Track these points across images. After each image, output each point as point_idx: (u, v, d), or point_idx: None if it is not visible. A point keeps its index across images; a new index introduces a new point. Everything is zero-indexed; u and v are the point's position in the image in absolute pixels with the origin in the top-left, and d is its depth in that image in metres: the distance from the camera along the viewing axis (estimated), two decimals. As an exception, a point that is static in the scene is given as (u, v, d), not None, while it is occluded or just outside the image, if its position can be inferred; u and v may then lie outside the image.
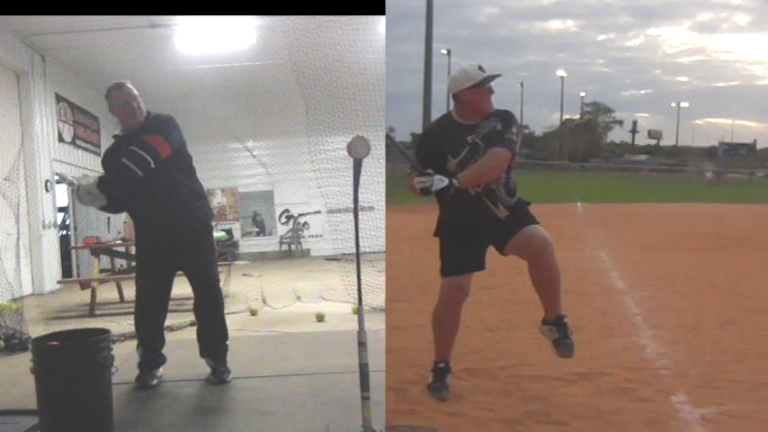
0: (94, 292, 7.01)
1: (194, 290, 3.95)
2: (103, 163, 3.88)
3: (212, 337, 3.90)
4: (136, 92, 3.67)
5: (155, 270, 3.87)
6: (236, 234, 15.53)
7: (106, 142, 13.76)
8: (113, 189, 3.61)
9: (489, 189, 2.86)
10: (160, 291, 3.93)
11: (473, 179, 2.78)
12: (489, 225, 2.89)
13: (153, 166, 3.51)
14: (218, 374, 3.82)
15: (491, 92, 2.87)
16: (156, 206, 3.66)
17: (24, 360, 2.96)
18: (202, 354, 3.91)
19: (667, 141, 48.27)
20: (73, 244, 11.53)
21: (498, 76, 2.87)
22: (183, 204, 3.72)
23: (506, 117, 2.86)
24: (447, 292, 2.93)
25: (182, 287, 7.24)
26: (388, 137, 2.90)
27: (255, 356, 4.35)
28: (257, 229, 16.22)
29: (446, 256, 2.94)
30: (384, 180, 6.13)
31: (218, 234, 8.83)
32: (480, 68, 2.84)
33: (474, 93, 2.83)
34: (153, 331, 3.95)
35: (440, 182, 2.69)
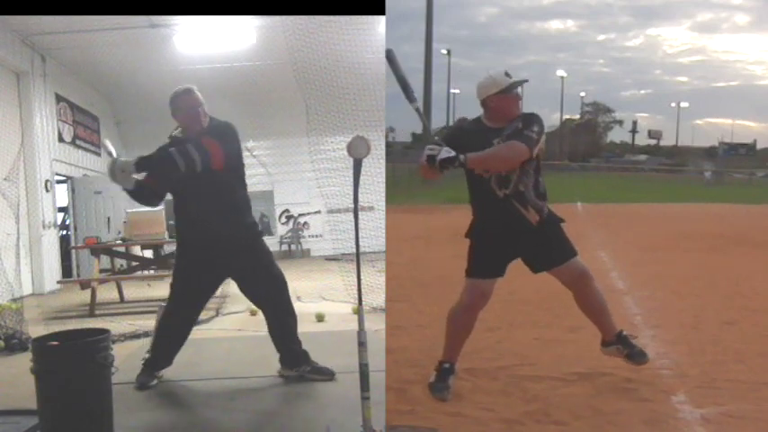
0: (94, 292, 7.02)
1: (261, 297, 3.86)
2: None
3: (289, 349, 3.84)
4: (202, 98, 3.64)
5: (197, 273, 3.74)
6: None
7: (106, 142, 13.76)
8: (150, 176, 3.58)
9: (518, 191, 2.86)
10: (199, 295, 3.86)
11: (481, 161, 2.77)
12: (523, 234, 2.89)
13: (199, 168, 3.41)
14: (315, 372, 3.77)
15: (518, 97, 2.91)
16: (208, 212, 3.60)
17: (24, 360, 2.96)
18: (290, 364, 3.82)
19: (667, 141, 48.37)
20: (73, 244, 11.55)
21: (525, 81, 2.92)
22: (235, 213, 3.70)
23: (529, 117, 2.89)
24: (470, 295, 2.93)
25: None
26: (417, 110, 2.87)
27: (255, 356, 4.35)
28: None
29: (474, 258, 2.94)
30: (384, 180, 6.13)
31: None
32: (507, 74, 2.88)
33: (501, 98, 2.86)
34: (179, 334, 3.85)
35: (447, 152, 2.69)
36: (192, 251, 3.75)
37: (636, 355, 3.04)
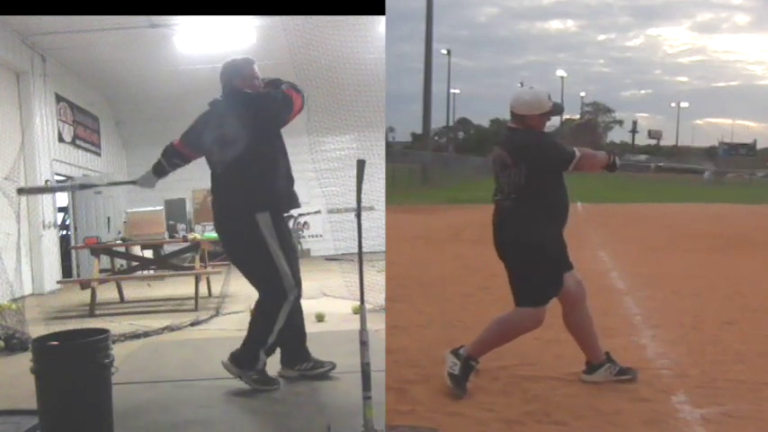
0: (94, 292, 7.02)
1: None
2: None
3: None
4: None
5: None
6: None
7: (106, 142, 13.77)
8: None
9: None
10: None
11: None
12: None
13: (288, 115, 3.61)
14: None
15: (549, 118, 3.03)
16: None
17: (24, 360, 2.96)
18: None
19: (667, 141, 48.41)
20: (73, 244, 11.54)
21: (561, 108, 3.07)
22: None
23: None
24: (530, 322, 2.89)
25: (182, 287, 7.23)
26: None
27: (255, 356, 4.34)
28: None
29: (540, 278, 2.86)
30: (384, 180, 6.13)
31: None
32: (549, 97, 2.98)
33: (540, 118, 2.95)
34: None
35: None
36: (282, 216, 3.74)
37: (628, 372, 3.04)
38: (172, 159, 3.78)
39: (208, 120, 3.68)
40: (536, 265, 2.84)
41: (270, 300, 3.57)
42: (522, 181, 2.83)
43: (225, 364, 3.57)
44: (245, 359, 3.54)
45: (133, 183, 3.97)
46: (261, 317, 3.59)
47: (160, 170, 3.81)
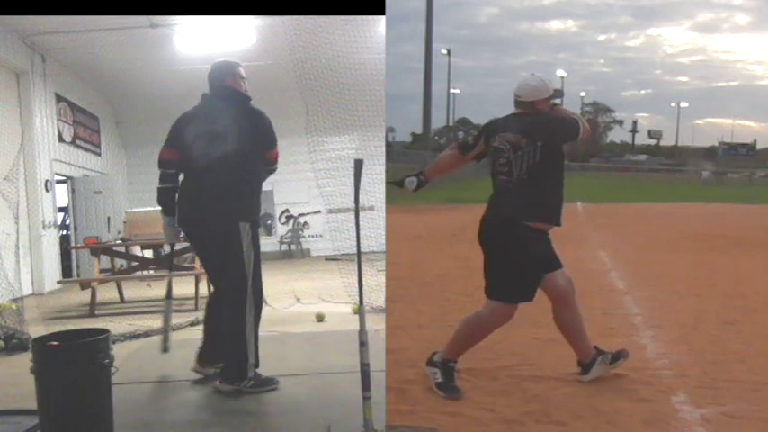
0: (94, 292, 7.02)
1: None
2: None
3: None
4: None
5: None
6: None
7: (106, 142, 13.77)
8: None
9: None
10: None
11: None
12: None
13: (273, 149, 3.65)
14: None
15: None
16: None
17: (24, 360, 2.96)
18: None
19: (667, 141, 48.47)
20: (73, 244, 11.55)
21: (562, 92, 3.11)
22: None
23: None
24: (499, 318, 2.93)
25: (182, 287, 7.23)
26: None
27: (255, 356, 4.34)
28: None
29: (519, 276, 2.90)
30: (384, 180, 6.12)
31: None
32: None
33: (545, 102, 3.00)
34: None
35: None
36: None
37: (620, 355, 3.06)
38: (171, 174, 3.62)
39: (195, 114, 3.64)
40: (518, 257, 2.87)
41: (234, 298, 3.52)
42: (536, 158, 2.86)
43: (217, 387, 3.52)
44: (233, 374, 3.49)
45: (164, 241, 3.90)
46: (232, 326, 3.52)
47: (167, 200, 3.64)
